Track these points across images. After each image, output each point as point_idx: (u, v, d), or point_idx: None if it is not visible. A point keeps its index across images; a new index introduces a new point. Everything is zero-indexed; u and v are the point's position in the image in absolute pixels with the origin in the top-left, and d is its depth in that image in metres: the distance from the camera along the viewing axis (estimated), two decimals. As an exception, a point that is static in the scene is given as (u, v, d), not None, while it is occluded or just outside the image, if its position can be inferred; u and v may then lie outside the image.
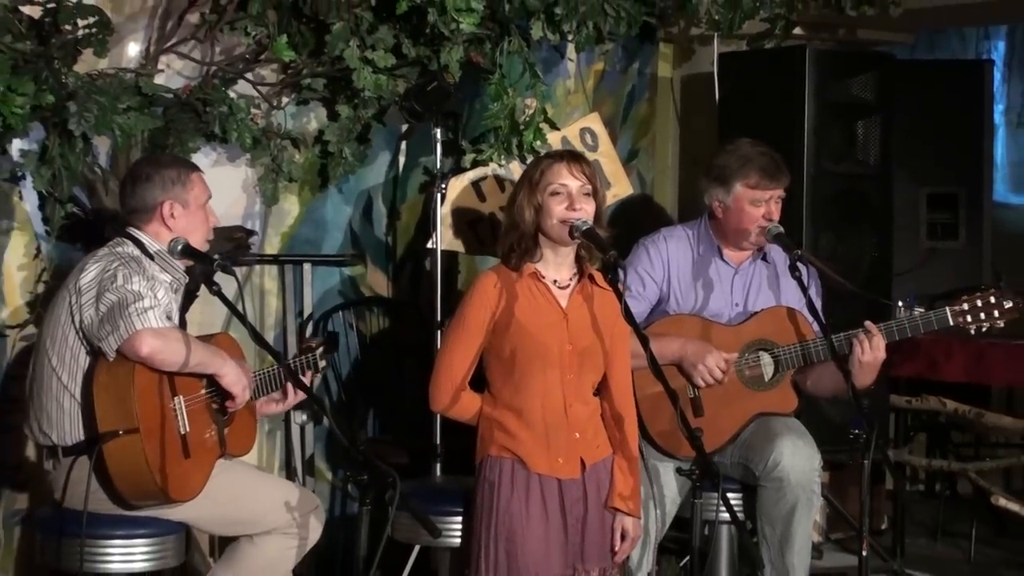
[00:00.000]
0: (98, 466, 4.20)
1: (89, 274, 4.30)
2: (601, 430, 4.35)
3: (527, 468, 4.24)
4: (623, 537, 4.33)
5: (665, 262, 5.00)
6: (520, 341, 4.25)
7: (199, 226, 4.49)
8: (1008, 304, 4.81)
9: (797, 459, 4.78)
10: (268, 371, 4.59)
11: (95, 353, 4.25)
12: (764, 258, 5.04)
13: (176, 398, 4.28)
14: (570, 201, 4.24)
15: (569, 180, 4.26)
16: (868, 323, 4.77)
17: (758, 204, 4.92)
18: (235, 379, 4.35)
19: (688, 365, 4.80)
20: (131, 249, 4.39)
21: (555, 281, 4.32)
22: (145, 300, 4.19)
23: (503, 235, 4.42)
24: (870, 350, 4.72)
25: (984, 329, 4.81)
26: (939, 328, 4.85)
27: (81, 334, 4.28)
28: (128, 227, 4.46)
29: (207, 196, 4.53)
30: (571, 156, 4.35)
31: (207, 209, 4.53)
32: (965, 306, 4.81)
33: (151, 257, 4.39)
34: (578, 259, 4.35)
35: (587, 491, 4.28)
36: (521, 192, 4.33)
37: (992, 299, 4.81)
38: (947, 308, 4.82)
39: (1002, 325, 4.82)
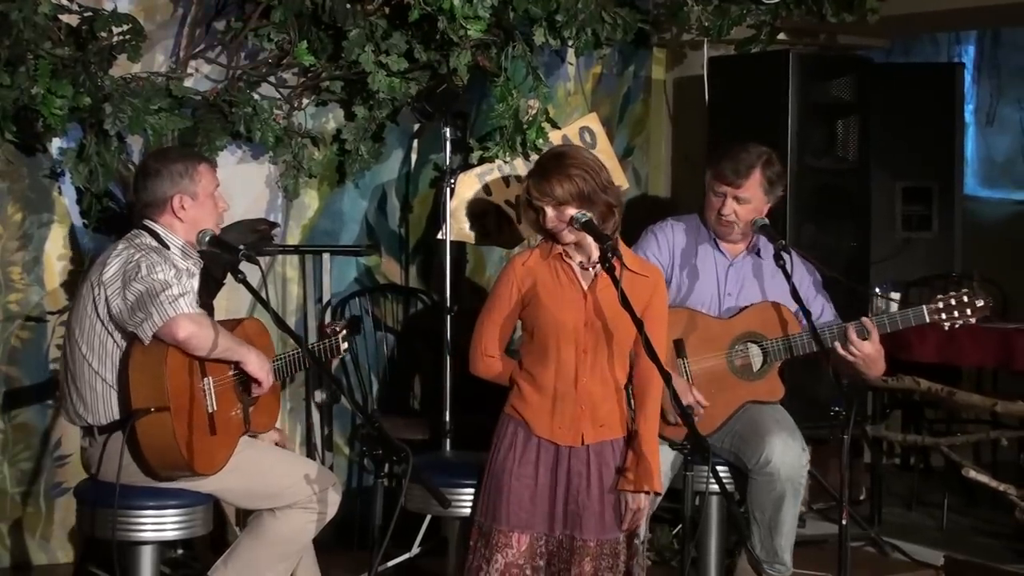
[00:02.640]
0: (131, 441, 4.16)
1: (111, 268, 4.22)
2: (614, 412, 4.24)
3: (529, 431, 4.22)
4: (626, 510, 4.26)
5: (671, 247, 4.95)
6: (540, 316, 4.22)
7: (209, 215, 4.39)
8: (979, 303, 4.77)
9: (787, 456, 4.72)
10: (290, 354, 4.53)
11: (127, 338, 4.20)
12: (758, 254, 4.97)
13: (206, 379, 4.24)
14: (543, 221, 4.22)
15: (537, 202, 4.22)
16: (864, 319, 4.75)
17: (715, 195, 4.88)
18: (258, 367, 4.30)
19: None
20: (149, 240, 4.30)
21: (580, 263, 4.27)
22: (174, 288, 4.15)
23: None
24: (869, 342, 4.70)
25: (958, 326, 4.77)
26: (916, 324, 4.82)
27: (110, 323, 4.22)
28: (144, 219, 4.37)
29: (215, 185, 4.41)
30: (537, 174, 4.26)
31: (216, 197, 4.41)
32: (940, 304, 4.77)
33: (167, 247, 4.32)
34: None
35: (590, 468, 4.21)
36: (523, 202, 4.33)
37: (965, 298, 4.77)
38: (924, 306, 4.78)
39: (974, 322, 4.78)
